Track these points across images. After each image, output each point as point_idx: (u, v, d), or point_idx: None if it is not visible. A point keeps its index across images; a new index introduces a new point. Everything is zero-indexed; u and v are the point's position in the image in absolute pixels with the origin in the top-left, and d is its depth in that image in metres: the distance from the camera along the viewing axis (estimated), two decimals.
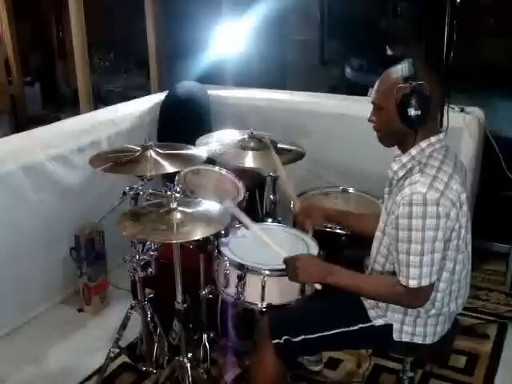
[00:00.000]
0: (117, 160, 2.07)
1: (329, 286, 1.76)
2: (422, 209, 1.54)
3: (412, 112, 1.59)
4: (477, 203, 3.05)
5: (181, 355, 2.10)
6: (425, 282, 1.59)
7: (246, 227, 2.03)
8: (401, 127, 1.64)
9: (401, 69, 1.63)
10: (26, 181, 2.67)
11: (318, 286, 1.81)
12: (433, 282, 1.62)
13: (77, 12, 3.47)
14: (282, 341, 1.75)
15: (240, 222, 2.06)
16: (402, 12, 4.49)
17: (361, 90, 3.92)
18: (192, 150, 2.25)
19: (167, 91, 3.61)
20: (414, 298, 1.64)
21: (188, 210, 1.90)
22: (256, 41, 4.16)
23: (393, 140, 1.73)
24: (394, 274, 1.67)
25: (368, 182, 2.58)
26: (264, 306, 1.96)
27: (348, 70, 4.81)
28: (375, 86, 1.70)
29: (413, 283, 1.59)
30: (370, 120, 1.73)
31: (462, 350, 2.52)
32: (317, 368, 2.39)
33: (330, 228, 2.26)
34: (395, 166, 1.70)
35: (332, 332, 1.76)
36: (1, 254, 2.60)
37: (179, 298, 2.05)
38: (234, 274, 1.97)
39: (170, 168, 2.06)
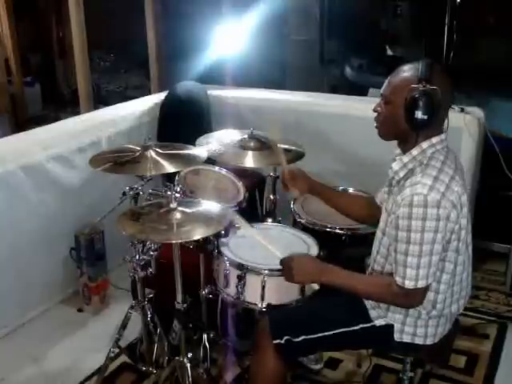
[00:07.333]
0: (117, 160, 2.07)
1: (328, 286, 1.76)
2: (423, 210, 1.54)
3: (419, 115, 1.58)
4: (477, 203, 3.05)
5: (181, 355, 2.09)
6: (421, 284, 1.59)
7: (244, 229, 2.04)
8: (404, 126, 1.63)
9: (418, 68, 1.60)
10: (26, 181, 2.67)
11: (316, 286, 1.81)
12: (429, 283, 1.61)
13: (77, 12, 3.48)
14: (282, 341, 1.75)
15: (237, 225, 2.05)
16: (402, 12, 4.50)
17: (361, 90, 3.92)
18: (192, 150, 2.25)
19: (167, 91, 3.61)
20: (409, 299, 1.64)
21: (188, 210, 1.89)
22: (256, 41, 4.17)
23: (392, 136, 1.72)
24: (392, 274, 1.67)
25: (368, 181, 2.57)
26: (264, 305, 1.96)
27: (348, 70, 4.81)
28: (388, 79, 1.68)
29: (409, 284, 1.59)
30: (374, 110, 1.71)
31: (462, 350, 2.52)
32: (317, 366, 2.39)
33: (330, 228, 2.26)
34: (396, 166, 1.69)
35: (333, 332, 1.76)
36: (1, 254, 2.60)
37: (179, 298, 2.04)
38: (233, 274, 1.97)
39: (169, 168, 2.05)
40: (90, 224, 2.82)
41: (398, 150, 1.75)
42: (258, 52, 4.38)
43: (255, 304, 1.97)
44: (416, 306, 1.67)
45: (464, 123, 2.85)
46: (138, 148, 2.12)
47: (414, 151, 1.65)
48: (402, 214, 1.57)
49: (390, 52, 4.55)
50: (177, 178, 2.29)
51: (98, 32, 4.32)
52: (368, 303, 1.79)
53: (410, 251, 1.57)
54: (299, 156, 2.44)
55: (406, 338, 1.75)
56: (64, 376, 2.42)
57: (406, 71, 1.64)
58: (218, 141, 2.47)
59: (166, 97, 3.56)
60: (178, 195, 1.92)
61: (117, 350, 2.27)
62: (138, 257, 2.13)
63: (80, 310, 2.89)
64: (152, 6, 4.01)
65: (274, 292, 1.95)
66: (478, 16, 3.97)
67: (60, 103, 6.37)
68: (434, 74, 1.59)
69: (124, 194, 2.12)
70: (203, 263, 2.14)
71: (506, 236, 3.09)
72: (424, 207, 1.53)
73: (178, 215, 1.86)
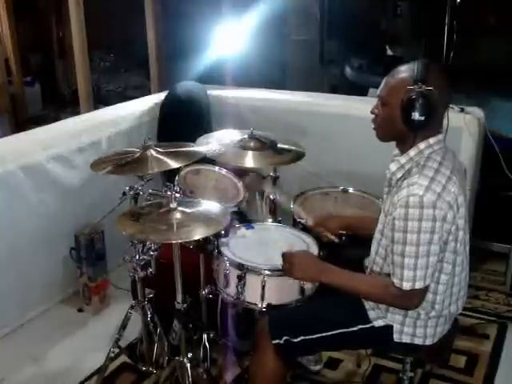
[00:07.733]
0: (118, 162, 2.07)
1: (327, 286, 1.76)
2: (419, 211, 1.53)
3: (416, 116, 1.57)
4: (477, 203, 3.05)
5: (181, 355, 2.09)
6: (419, 285, 1.59)
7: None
8: (401, 127, 1.63)
9: (414, 69, 1.60)
10: (26, 181, 2.67)
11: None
12: (427, 284, 1.61)
13: (77, 12, 3.48)
14: (282, 341, 1.75)
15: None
16: (402, 12, 4.50)
17: (361, 90, 3.92)
18: (192, 148, 2.24)
19: (167, 91, 3.61)
20: (408, 300, 1.63)
21: (188, 210, 1.90)
22: (256, 41, 4.17)
23: (390, 137, 1.72)
24: (390, 275, 1.66)
25: (368, 181, 2.58)
26: (264, 306, 1.95)
27: (348, 70, 4.81)
28: (384, 80, 1.68)
29: (406, 285, 1.59)
30: (372, 112, 1.71)
31: (462, 350, 2.52)
32: (316, 367, 2.39)
33: None
34: (393, 167, 1.69)
35: (332, 333, 1.76)
36: (1, 254, 2.60)
37: (179, 298, 2.04)
38: (233, 274, 1.97)
39: (170, 164, 2.04)
40: (89, 224, 2.82)
41: (396, 151, 1.74)
42: (258, 52, 4.38)
43: (255, 304, 1.97)
44: (414, 308, 1.66)
45: (464, 123, 2.85)
46: (138, 150, 2.12)
47: (412, 152, 1.65)
48: (399, 215, 1.56)
49: (389, 52, 4.55)
50: (177, 178, 2.29)
51: (98, 32, 4.31)
52: (367, 304, 1.78)
53: (406, 252, 1.57)
54: (299, 156, 2.43)
55: (406, 339, 1.75)
56: (64, 376, 2.42)
57: (402, 72, 1.63)
58: (218, 141, 2.47)
59: (166, 97, 3.55)
60: (177, 195, 1.92)
61: (117, 350, 2.27)
62: (138, 257, 2.13)
63: (80, 310, 2.89)
64: (152, 5, 4.01)
65: (274, 292, 1.94)
66: (478, 16, 3.97)
67: (60, 103, 6.37)
68: (430, 74, 1.58)
69: (124, 194, 2.12)
70: (203, 263, 2.14)
71: (506, 236, 3.09)
72: (420, 208, 1.53)
73: (178, 215, 1.86)
